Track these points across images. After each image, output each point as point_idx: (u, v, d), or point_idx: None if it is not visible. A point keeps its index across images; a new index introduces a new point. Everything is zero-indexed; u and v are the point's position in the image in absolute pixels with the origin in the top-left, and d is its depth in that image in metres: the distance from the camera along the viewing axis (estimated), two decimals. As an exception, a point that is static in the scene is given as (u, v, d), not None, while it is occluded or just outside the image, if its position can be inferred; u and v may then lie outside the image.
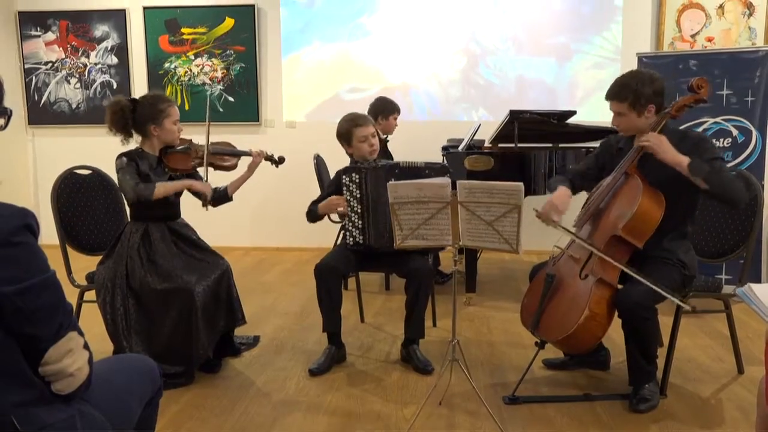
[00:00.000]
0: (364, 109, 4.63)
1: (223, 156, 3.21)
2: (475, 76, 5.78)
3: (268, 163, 3.32)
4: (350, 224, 3.13)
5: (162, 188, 2.92)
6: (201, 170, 3.12)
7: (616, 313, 2.57)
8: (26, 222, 1.21)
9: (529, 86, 5.73)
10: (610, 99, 2.71)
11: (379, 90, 5.77)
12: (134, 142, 3.04)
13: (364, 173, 3.10)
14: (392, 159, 4.27)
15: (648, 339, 2.57)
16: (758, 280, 4.18)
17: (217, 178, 3.19)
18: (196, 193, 3.11)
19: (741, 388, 2.85)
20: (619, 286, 2.60)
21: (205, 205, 3.07)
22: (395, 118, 4.59)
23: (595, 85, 5.61)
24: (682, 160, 2.49)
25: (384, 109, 4.54)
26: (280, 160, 3.36)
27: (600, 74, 5.62)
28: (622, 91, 2.65)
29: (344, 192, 3.13)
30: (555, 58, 5.67)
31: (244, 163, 3.26)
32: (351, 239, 3.14)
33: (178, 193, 3.10)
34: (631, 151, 2.68)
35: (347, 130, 3.16)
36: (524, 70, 5.72)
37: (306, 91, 5.97)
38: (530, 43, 5.68)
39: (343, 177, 3.14)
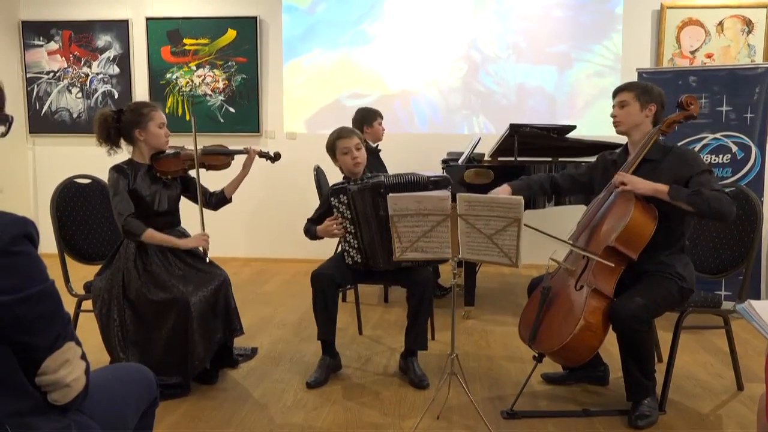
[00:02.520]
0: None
1: (216, 155, 3.19)
2: (476, 83, 5.80)
3: (266, 171, 3.32)
4: (347, 245, 3.11)
5: (153, 236, 2.86)
6: (193, 173, 3.12)
7: (612, 327, 2.56)
8: (26, 231, 1.20)
9: (529, 94, 5.74)
10: (618, 91, 2.78)
11: (380, 96, 5.81)
12: (127, 153, 3.04)
13: (351, 194, 3.04)
14: (385, 170, 4.27)
15: (644, 352, 2.56)
16: (758, 297, 4.18)
17: (213, 181, 3.18)
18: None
19: (740, 405, 2.83)
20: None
21: (205, 255, 3.04)
22: (380, 124, 4.54)
23: (596, 93, 5.64)
24: (661, 189, 2.53)
25: (367, 118, 4.51)
26: (276, 156, 3.31)
27: (600, 83, 5.64)
28: (630, 84, 2.79)
29: (335, 213, 3.09)
30: (555, 66, 5.69)
31: (239, 163, 3.25)
32: (350, 259, 3.12)
33: (176, 201, 3.10)
34: (623, 167, 2.71)
35: (331, 144, 3.18)
36: (525, 78, 5.74)
37: (306, 97, 5.98)
38: (531, 51, 5.71)
39: (332, 200, 3.09)
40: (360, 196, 3.03)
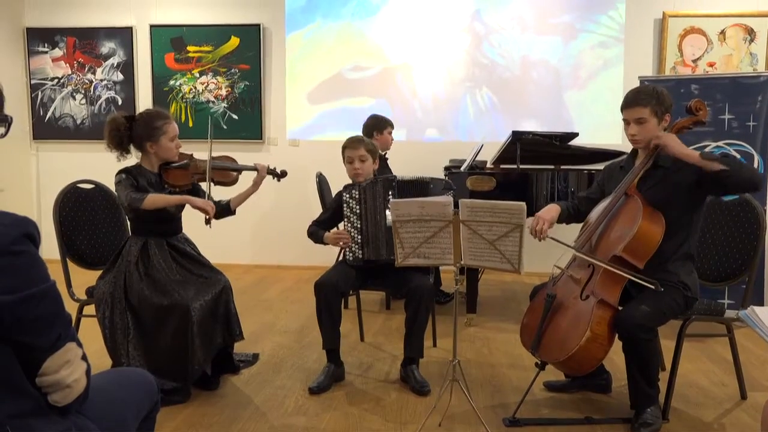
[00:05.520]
0: (366, 88, 4.60)
1: (224, 171, 3.18)
2: (479, 55, 5.76)
3: (270, 178, 3.32)
4: (350, 240, 3.14)
5: (156, 198, 2.86)
6: (203, 185, 3.12)
7: (617, 335, 2.55)
8: (27, 231, 1.20)
9: (533, 66, 5.72)
10: (630, 106, 2.63)
11: (382, 69, 5.80)
12: (135, 158, 3.05)
13: (363, 188, 3.14)
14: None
15: (648, 361, 2.55)
16: (761, 304, 4.16)
17: (219, 192, 3.18)
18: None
19: (744, 414, 2.82)
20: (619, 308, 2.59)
21: (208, 222, 3.04)
22: (390, 132, 4.59)
23: (600, 65, 5.62)
24: (693, 154, 2.47)
25: (377, 126, 4.56)
26: (282, 174, 3.32)
27: (605, 54, 5.62)
28: (643, 97, 2.61)
29: (344, 208, 3.17)
30: (560, 37, 5.66)
31: (245, 177, 3.25)
32: (351, 255, 3.15)
33: (180, 208, 3.08)
34: (630, 172, 2.69)
35: (342, 149, 3.26)
36: (529, 49, 5.70)
37: (307, 70, 5.95)
38: (535, 22, 5.68)
39: (344, 194, 3.19)
40: (372, 188, 3.13)
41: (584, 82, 5.66)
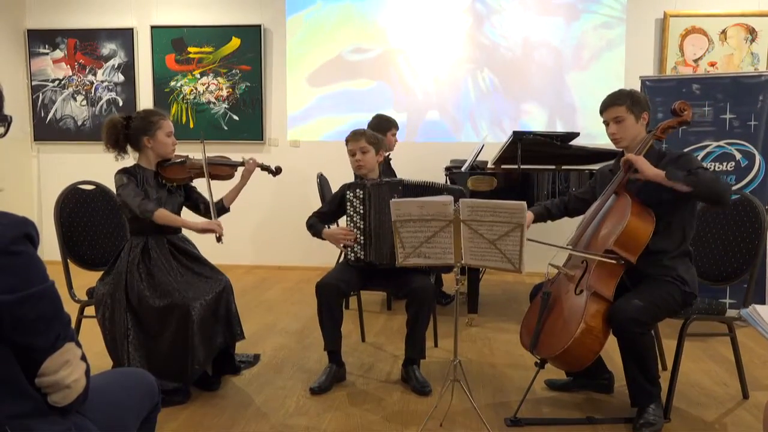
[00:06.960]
0: (367, 70, 4.55)
1: (219, 166, 3.22)
2: (481, 36, 5.74)
3: (270, 179, 3.31)
4: (354, 240, 3.14)
5: (165, 214, 2.91)
6: (200, 182, 3.12)
7: (611, 331, 2.55)
8: (26, 231, 1.20)
9: (534, 47, 5.69)
10: (606, 107, 2.75)
11: (383, 51, 5.79)
12: (132, 160, 3.06)
13: (368, 189, 3.11)
14: (396, 177, 4.28)
15: (645, 356, 2.54)
16: (762, 303, 4.15)
17: (214, 188, 3.18)
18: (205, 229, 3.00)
19: (746, 413, 2.81)
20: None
21: (219, 240, 3.01)
22: (393, 134, 4.54)
23: (603, 45, 5.61)
24: (659, 173, 2.53)
25: (380, 127, 4.49)
26: (277, 170, 3.32)
27: (608, 34, 5.61)
28: (618, 98, 2.74)
29: (348, 207, 3.14)
30: (562, 17, 5.64)
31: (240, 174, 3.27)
32: (352, 255, 3.14)
33: (179, 207, 3.10)
34: (620, 171, 2.73)
35: (345, 143, 3.25)
36: (530, 30, 5.68)
37: (308, 52, 5.93)
38: (537, 2, 5.66)
39: (348, 192, 3.16)
40: (377, 190, 3.10)
41: (586, 63, 5.64)
